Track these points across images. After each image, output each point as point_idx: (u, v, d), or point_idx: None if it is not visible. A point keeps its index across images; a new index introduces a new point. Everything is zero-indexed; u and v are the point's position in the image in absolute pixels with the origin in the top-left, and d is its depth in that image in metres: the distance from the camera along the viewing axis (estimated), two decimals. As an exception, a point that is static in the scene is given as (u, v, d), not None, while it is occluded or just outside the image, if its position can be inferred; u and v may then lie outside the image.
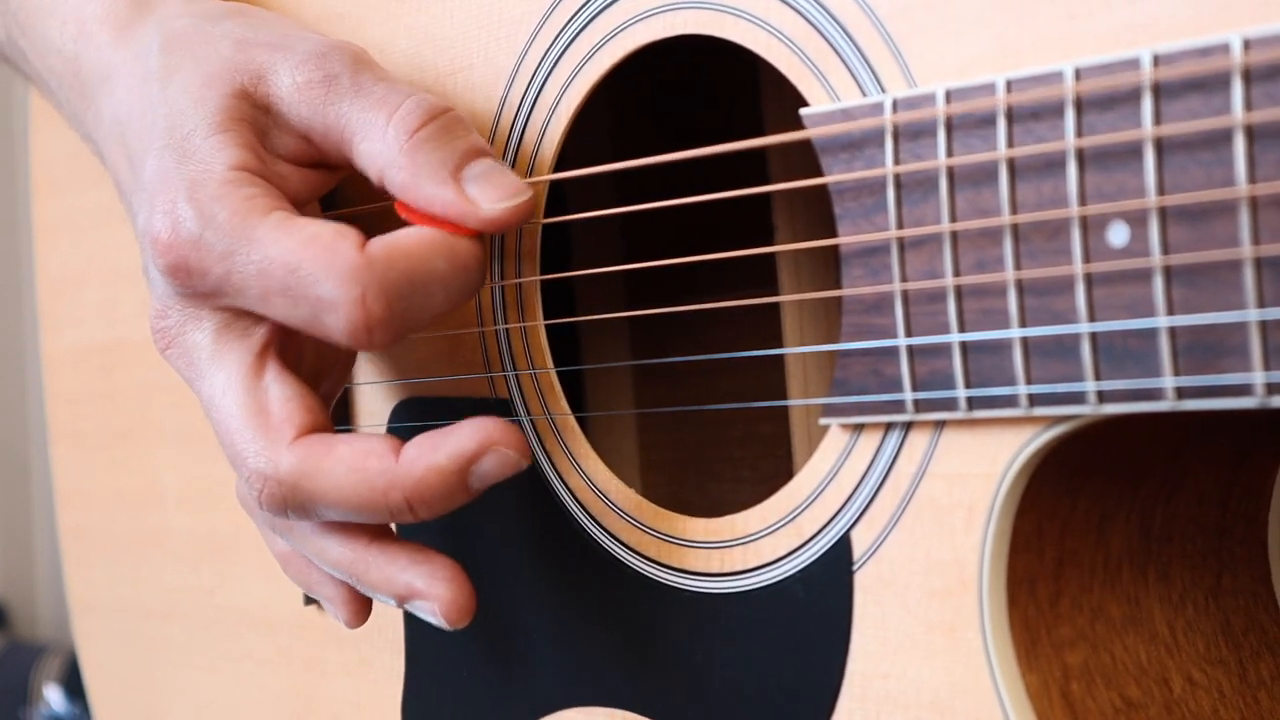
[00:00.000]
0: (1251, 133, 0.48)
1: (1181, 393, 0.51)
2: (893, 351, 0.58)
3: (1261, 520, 0.66)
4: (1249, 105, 0.48)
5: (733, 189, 0.64)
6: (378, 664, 0.83)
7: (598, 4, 0.69)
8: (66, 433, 1.08)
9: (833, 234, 0.59)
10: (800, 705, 0.63)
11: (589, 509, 0.71)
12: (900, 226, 0.57)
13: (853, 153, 0.58)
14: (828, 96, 0.60)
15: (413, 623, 0.81)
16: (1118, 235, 0.52)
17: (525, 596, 0.75)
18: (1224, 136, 0.49)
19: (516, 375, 0.73)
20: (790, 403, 0.85)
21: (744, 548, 0.66)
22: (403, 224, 0.65)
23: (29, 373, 2.06)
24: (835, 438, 0.62)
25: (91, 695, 1.09)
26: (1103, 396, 0.53)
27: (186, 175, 0.65)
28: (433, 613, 0.66)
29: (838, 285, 0.60)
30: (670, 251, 0.70)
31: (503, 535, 0.75)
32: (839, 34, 0.60)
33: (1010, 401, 0.55)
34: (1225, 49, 0.49)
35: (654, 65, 0.72)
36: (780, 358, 0.84)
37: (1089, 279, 0.52)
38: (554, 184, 0.72)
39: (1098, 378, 0.53)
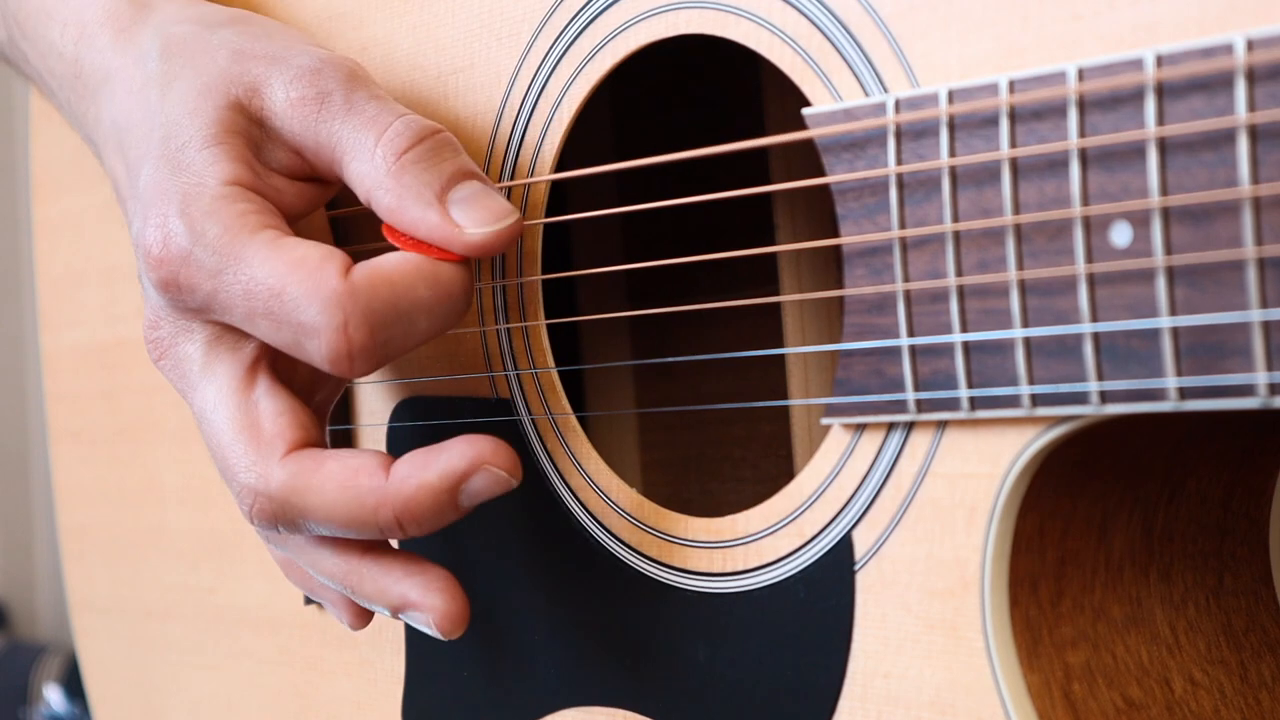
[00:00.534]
0: (1255, 133, 0.48)
1: (1184, 393, 0.51)
2: (895, 351, 0.58)
3: (1263, 521, 0.66)
4: (1252, 105, 0.48)
5: (734, 189, 0.64)
6: (378, 664, 0.83)
7: (599, 4, 0.69)
8: (66, 432, 1.08)
9: (834, 234, 0.59)
10: (801, 705, 0.63)
11: (590, 508, 0.71)
12: (903, 226, 0.57)
13: (855, 153, 0.58)
14: (830, 96, 0.60)
15: (413, 622, 0.81)
16: (1120, 235, 0.52)
17: (526, 596, 0.75)
18: (1227, 137, 0.49)
19: (518, 375, 0.73)
20: (792, 402, 0.85)
21: (745, 548, 0.66)
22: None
23: (29, 372, 2.06)
24: (837, 438, 0.62)
25: (91, 695, 1.09)
26: (1105, 397, 0.53)
27: (180, 188, 0.65)
28: (427, 624, 0.66)
29: (839, 285, 0.60)
30: (671, 251, 0.70)
31: (503, 535, 0.75)
32: (842, 34, 0.60)
33: (1012, 402, 0.55)
34: (1229, 49, 0.49)
35: (656, 65, 0.72)
36: (781, 358, 0.84)
37: (1091, 279, 0.52)
38: (555, 184, 0.72)
39: (1100, 378, 0.53)
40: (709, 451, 0.95)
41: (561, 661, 0.73)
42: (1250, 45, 0.48)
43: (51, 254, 1.09)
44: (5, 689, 1.76)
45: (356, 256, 0.64)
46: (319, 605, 0.87)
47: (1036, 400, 0.54)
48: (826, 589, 0.62)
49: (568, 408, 0.72)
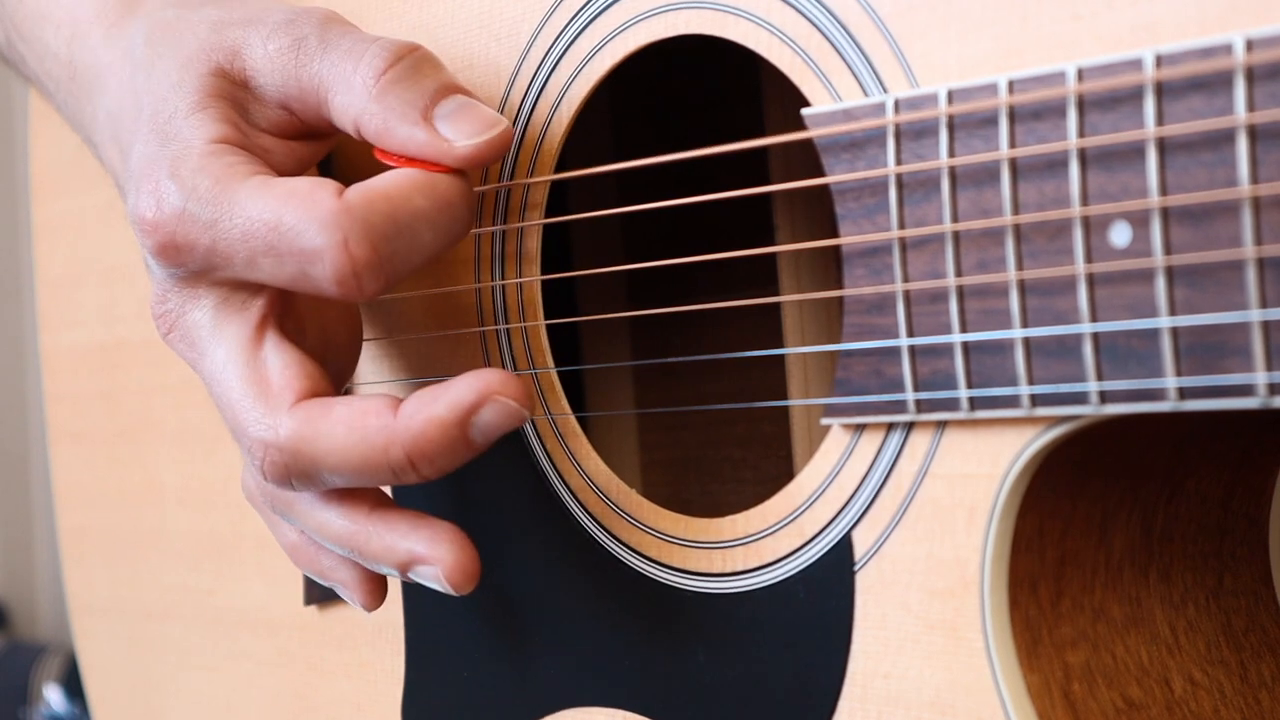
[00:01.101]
0: (1254, 133, 0.48)
1: (1184, 393, 0.51)
2: (894, 351, 0.58)
3: (1263, 521, 0.66)
4: (1251, 105, 0.48)
5: (733, 189, 0.64)
6: (378, 665, 0.83)
7: (599, 4, 0.69)
8: (66, 432, 1.08)
9: (833, 234, 0.59)
10: (801, 705, 0.63)
11: (590, 508, 0.71)
12: (902, 227, 0.57)
13: (854, 153, 0.58)
14: (829, 96, 0.60)
15: (413, 623, 0.81)
16: (1120, 235, 0.52)
17: (525, 596, 0.75)
18: (1227, 137, 0.49)
19: (517, 375, 0.73)
20: (791, 403, 0.85)
21: (745, 548, 0.66)
22: None
23: (29, 373, 2.06)
24: (837, 438, 0.62)
25: (91, 695, 1.09)
26: (1105, 397, 0.53)
27: (169, 154, 0.65)
28: (436, 578, 0.65)
29: (839, 285, 0.60)
30: (671, 252, 0.70)
31: (503, 535, 0.75)
32: (841, 34, 0.60)
33: (1012, 402, 0.55)
34: (1228, 49, 0.49)
35: (655, 65, 0.72)
36: (781, 358, 0.84)
37: (1091, 279, 0.52)
38: (555, 184, 0.72)
39: (1100, 378, 0.53)
40: (709, 452, 0.95)
41: (561, 662, 0.73)
42: (1250, 45, 0.48)
43: (51, 254, 1.09)
44: (5, 689, 1.76)
45: None
46: (319, 606, 0.87)
47: (1036, 400, 0.54)
48: (826, 589, 0.62)
49: (567, 408, 0.72)
